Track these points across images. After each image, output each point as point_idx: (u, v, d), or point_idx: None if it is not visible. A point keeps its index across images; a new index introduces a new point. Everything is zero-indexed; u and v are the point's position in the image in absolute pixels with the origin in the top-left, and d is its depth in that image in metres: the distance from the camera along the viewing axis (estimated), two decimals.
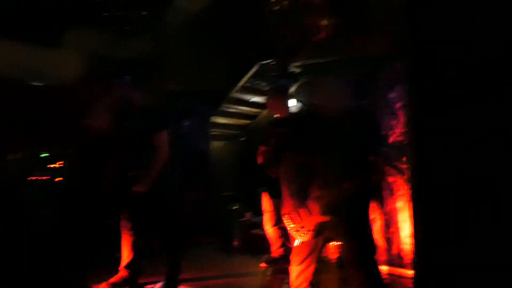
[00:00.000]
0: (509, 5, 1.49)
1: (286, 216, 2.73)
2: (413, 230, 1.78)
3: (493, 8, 1.52)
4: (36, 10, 4.62)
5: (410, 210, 1.78)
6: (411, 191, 1.80)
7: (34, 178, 4.61)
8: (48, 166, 4.70)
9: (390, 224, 3.92)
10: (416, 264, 1.80)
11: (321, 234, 2.71)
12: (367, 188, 2.78)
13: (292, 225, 2.70)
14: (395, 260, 3.85)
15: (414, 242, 1.77)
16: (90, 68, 4.38)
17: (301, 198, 2.70)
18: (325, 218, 2.65)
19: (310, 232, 2.67)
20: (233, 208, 5.65)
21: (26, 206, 4.43)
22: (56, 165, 4.73)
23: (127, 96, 3.45)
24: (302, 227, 2.67)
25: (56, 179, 4.68)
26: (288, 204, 2.75)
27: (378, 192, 3.80)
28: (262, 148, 3.83)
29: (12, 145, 4.59)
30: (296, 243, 2.78)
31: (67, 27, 4.65)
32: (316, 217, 2.65)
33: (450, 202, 1.60)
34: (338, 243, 2.85)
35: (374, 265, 2.79)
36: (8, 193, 4.45)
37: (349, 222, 2.71)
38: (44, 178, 4.62)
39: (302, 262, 2.76)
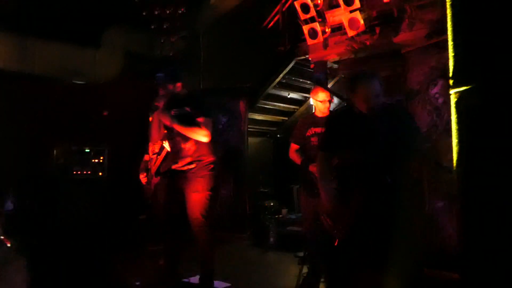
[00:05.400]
0: None
1: (324, 215, 2.68)
2: (460, 231, 1.68)
3: None
4: (74, 10, 4.76)
5: (456, 210, 1.67)
6: (458, 191, 1.68)
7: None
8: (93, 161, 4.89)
9: (431, 224, 3.77)
10: (463, 266, 1.68)
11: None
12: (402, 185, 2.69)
13: (329, 224, 2.66)
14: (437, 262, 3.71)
15: (461, 244, 1.67)
16: (127, 66, 4.47)
17: (339, 198, 2.64)
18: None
19: (347, 231, 2.61)
20: (269, 204, 5.64)
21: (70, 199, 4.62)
22: (97, 161, 4.90)
23: (173, 89, 3.55)
24: (340, 226, 2.61)
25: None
26: (326, 203, 2.69)
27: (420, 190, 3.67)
28: (295, 147, 3.78)
29: (56, 141, 4.78)
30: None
31: (106, 26, 4.77)
32: (352, 216, 2.58)
33: (500, 202, 1.50)
34: None
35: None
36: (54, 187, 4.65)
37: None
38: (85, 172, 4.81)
39: None
